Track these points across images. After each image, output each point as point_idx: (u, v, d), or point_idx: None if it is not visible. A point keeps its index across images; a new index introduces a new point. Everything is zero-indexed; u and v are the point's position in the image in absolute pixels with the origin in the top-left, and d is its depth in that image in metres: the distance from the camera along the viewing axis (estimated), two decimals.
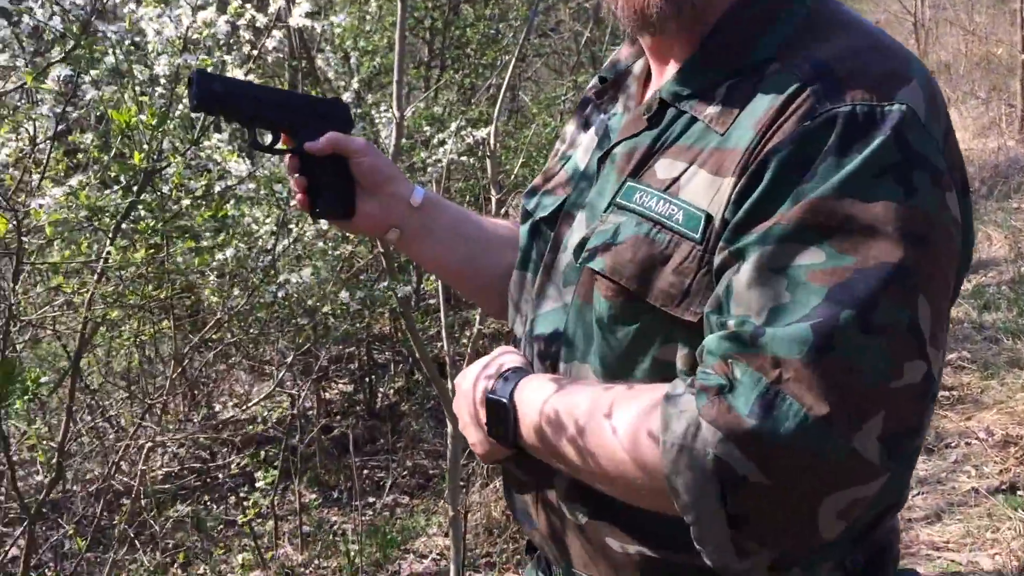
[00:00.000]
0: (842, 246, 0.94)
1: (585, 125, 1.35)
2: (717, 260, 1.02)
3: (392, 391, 5.66)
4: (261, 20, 1.92)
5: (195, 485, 4.63)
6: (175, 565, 3.93)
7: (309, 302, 2.89)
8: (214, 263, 2.16)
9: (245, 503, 4.30)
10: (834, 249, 0.94)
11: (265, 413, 4.93)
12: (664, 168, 1.11)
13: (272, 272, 2.38)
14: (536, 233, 1.31)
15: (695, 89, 1.12)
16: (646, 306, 1.07)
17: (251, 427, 4.92)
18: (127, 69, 1.85)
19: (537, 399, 1.11)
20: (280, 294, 2.41)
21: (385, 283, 3.21)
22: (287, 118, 1.35)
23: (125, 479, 3.92)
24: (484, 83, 4.48)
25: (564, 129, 1.46)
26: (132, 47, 1.91)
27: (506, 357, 1.23)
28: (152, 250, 1.91)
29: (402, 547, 3.93)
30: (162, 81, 2.01)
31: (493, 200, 2.87)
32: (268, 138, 1.36)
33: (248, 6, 1.92)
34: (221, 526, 4.27)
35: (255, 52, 1.97)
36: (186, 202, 1.96)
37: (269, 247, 2.35)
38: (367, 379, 5.51)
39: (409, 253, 1.50)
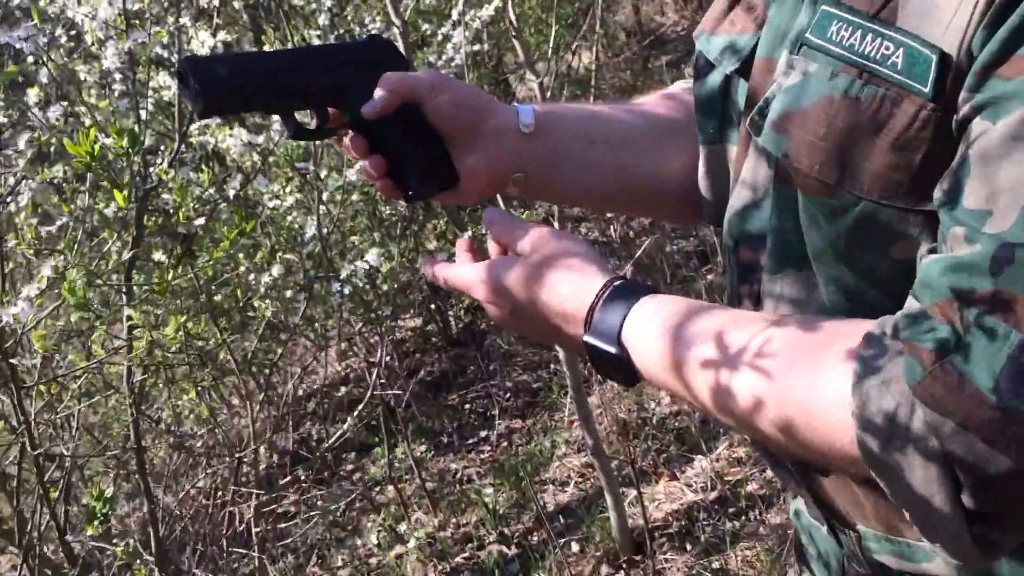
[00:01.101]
0: None
1: None
2: (957, 120, 0.69)
3: (463, 311, 5.32)
4: None
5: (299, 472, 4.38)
6: (310, 564, 3.71)
7: (383, 287, 2.50)
8: (261, 288, 1.78)
9: (357, 476, 4.04)
10: None
11: (343, 372, 4.64)
12: None
13: (327, 262, 1.98)
14: (727, 91, 0.95)
15: None
16: (856, 199, 0.75)
17: (336, 393, 4.64)
18: (65, 76, 1.43)
19: (663, 349, 0.79)
20: (347, 290, 2.01)
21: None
22: (328, 82, 0.96)
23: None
24: None
25: None
26: (61, 46, 1.48)
27: (577, 260, 0.89)
28: (184, 316, 1.52)
29: (535, 478, 3.64)
30: (117, 77, 1.57)
31: (536, 90, 2.41)
32: (312, 120, 0.99)
33: None
34: (343, 509, 4.02)
35: (215, 2, 1.52)
36: (200, 221, 1.56)
37: (308, 235, 1.94)
38: (432, 306, 5.16)
39: (540, 196, 1.17)
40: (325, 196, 2.00)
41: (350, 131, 0.99)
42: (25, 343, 1.54)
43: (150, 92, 2.36)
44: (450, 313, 5.26)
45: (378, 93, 0.96)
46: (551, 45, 2.79)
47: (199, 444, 3.00)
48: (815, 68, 0.77)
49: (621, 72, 6.58)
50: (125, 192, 1.35)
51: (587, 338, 0.84)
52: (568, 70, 5.09)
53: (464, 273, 0.95)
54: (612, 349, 0.82)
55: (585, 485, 3.47)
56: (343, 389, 4.91)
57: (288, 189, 2.42)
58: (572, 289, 0.86)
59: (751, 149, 0.88)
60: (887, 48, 0.72)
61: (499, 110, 1.02)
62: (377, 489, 4.14)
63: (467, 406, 4.48)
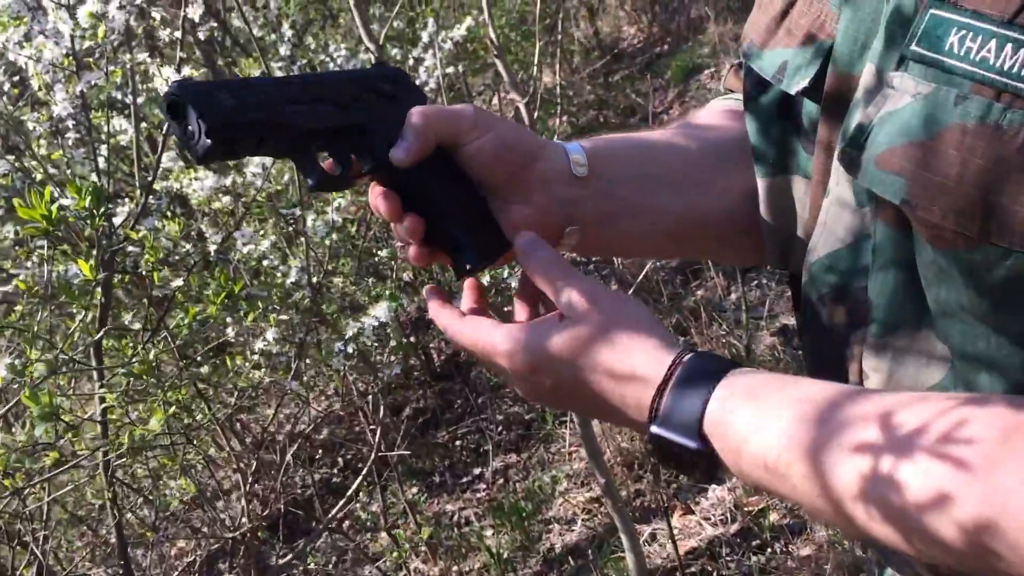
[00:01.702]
0: None
1: None
2: None
3: (443, 342, 5.12)
4: None
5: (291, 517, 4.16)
6: None
7: (391, 343, 2.31)
8: (255, 355, 1.59)
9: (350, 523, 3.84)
10: None
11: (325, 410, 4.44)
12: None
13: (320, 313, 1.79)
14: (788, 116, 0.81)
15: None
16: (1005, 252, 0.60)
17: (317, 436, 4.44)
18: (11, 126, 1.24)
19: (777, 436, 0.63)
20: (351, 348, 1.81)
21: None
22: (348, 120, 0.77)
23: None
24: None
25: None
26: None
27: (638, 328, 0.73)
28: (170, 403, 1.33)
29: (538, 518, 3.46)
30: (70, 124, 1.39)
31: (523, 110, 2.25)
32: (329, 163, 0.80)
33: None
34: (335, 561, 3.81)
35: (178, 35, 1.34)
36: (177, 282, 1.38)
37: (291, 279, 1.75)
38: (411, 338, 4.96)
39: (595, 251, 0.97)
40: (310, 239, 1.82)
41: (376, 183, 0.81)
42: None
43: (104, 136, 2.17)
44: (431, 345, 5.08)
45: (409, 134, 0.79)
46: (535, 63, 2.63)
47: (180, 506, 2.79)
48: (930, 90, 0.61)
49: (584, 88, 6.47)
50: (92, 262, 1.17)
51: (655, 429, 0.68)
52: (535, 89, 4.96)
53: (487, 334, 0.77)
54: (691, 444, 0.66)
55: (593, 522, 3.30)
56: (324, 432, 4.71)
57: (262, 232, 2.23)
58: (633, 366, 0.70)
59: (836, 185, 0.73)
60: None
61: (547, 151, 0.85)
62: (369, 537, 3.94)
63: (458, 442, 4.29)
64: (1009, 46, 0.57)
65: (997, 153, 0.58)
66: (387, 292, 1.92)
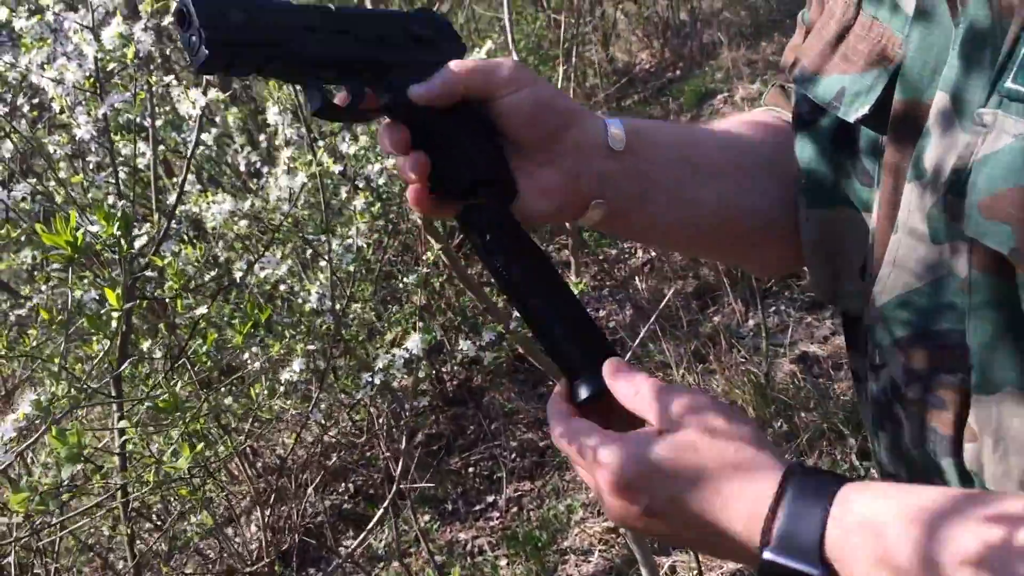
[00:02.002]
0: None
1: None
2: None
3: (456, 365, 5.08)
4: None
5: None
6: None
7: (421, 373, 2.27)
8: (281, 388, 1.56)
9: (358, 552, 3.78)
10: None
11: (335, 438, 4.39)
12: None
13: (343, 342, 1.74)
14: (843, 144, 0.77)
15: None
16: None
17: (327, 459, 4.38)
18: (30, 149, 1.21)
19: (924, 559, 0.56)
20: (379, 380, 1.77)
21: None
22: (368, 54, 0.76)
23: None
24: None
25: None
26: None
27: (743, 443, 0.68)
28: (200, 443, 1.29)
29: (553, 547, 3.40)
30: (92, 147, 1.36)
31: None
32: (342, 95, 0.78)
33: None
34: None
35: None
36: (201, 310, 1.34)
37: (312, 303, 1.71)
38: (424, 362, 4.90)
39: (620, 230, 0.91)
40: (331, 262, 1.78)
41: (387, 118, 0.79)
42: None
43: (125, 159, 2.15)
44: (444, 370, 5.03)
45: (437, 77, 0.76)
46: (556, 86, 2.61)
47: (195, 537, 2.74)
48: None
49: (598, 112, 6.45)
50: (118, 290, 1.13)
51: (769, 555, 0.61)
52: None
53: (592, 442, 0.70)
54: (813, 571, 0.60)
55: (610, 553, 3.24)
56: (334, 457, 4.66)
57: (279, 255, 2.20)
58: (740, 486, 0.64)
59: (907, 216, 0.68)
60: None
61: (585, 119, 0.82)
62: (381, 566, 3.88)
63: (471, 469, 4.23)
64: None
65: None
66: (408, 319, 1.88)
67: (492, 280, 0.80)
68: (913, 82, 0.69)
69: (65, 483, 1.07)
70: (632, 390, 0.71)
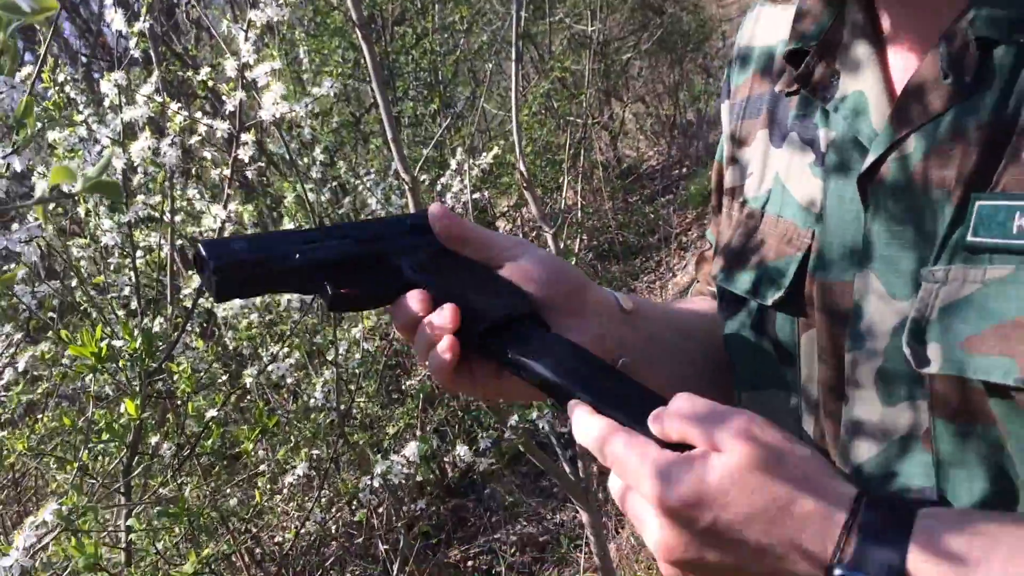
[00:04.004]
0: None
1: (780, 133, 0.84)
2: None
3: (457, 457, 5.09)
4: (221, 128, 1.35)
5: None
6: None
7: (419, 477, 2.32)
8: (284, 489, 1.62)
9: None
10: None
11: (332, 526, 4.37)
12: None
13: (345, 441, 1.80)
14: (764, 326, 0.81)
15: None
16: None
17: (326, 547, 4.36)
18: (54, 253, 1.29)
19: None
20: (377, 483, 1.82)
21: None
22: (368, 250, 0.83)
23: None
24: (459, 99, 3.91)
25: (722, 148, 0.96)
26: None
27: (809, 462, 0.64)
28: (204, 539, 1.35)
29: None
30: (116, 253, 1.44)
31: (550, 241, 2.31)
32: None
33: (199, 114, 1.36)
34: None
35: (226, 173, 1.40)
36: (211, 412, 1.40)
37: (317, 398, 1.78)
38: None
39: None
40: (336, 364, 1.85)
41: (399, 297, 0.81)
42: None
43: (140, 252, 2.23)
44: (446, 459, 5.04)
45: (439, 223, 0.82)
46: (563, 194, 2.71)
47: None
48: (1007, 272, 0.63)
49: (605, 208, 6.59)
50: (137, 401, 1.20)
51: (839, 572, 0.59)
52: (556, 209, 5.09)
53: (642, 452, 0.65)
54: None
55: None
56: (333, 545, 4.65)
57: (285, 351, 2.27)
58: (811, 508, 0.61)
59: (857, 389, 0.72)
60: None
61: (592, 283, 0.86)
62: None
63: (470, 563, 4.22)
64: None
65: None
66: (410, 414, 1.94)
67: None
68: (832, 264, 0.74)
69: None
70: (691, 420, 0.65)
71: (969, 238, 0.65)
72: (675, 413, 0.66)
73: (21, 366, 1.59)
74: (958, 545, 0.59)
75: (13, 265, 1.73)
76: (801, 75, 0.79)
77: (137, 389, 1.17)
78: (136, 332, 1.13)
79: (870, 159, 0.71)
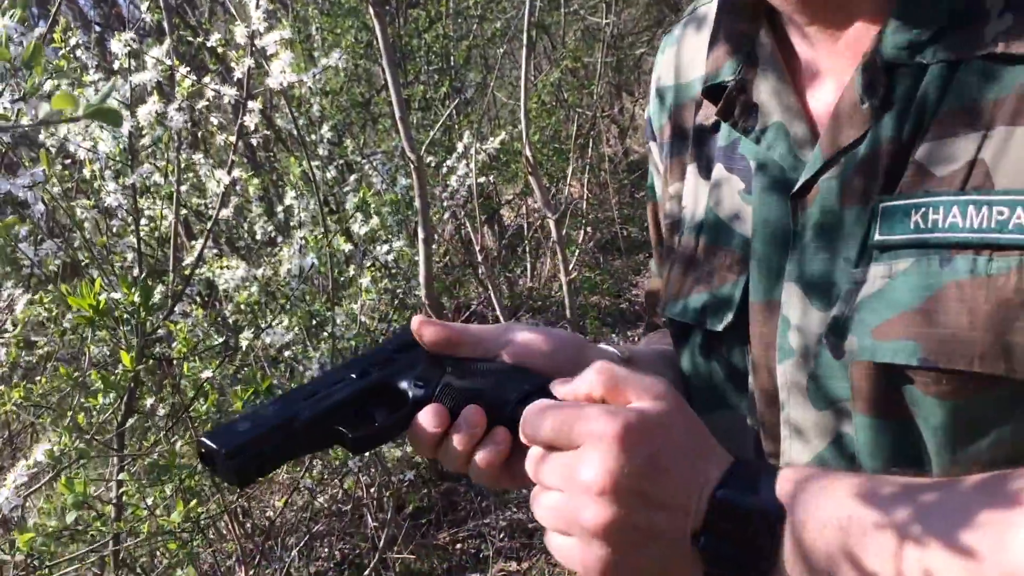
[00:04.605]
0: None
1: (706, 165, 0.90)
2: None
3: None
4: (229, 94, 1.36)
5: None
6: None
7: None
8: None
9: None
10: None
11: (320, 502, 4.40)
12: (939, 158, 0.70)
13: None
14: (713, 351, 0.87)
15: (944, 20, 0.71)
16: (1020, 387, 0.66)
17: (315, 523, 4.39)
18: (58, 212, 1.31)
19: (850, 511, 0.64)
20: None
21: None
22: (367, 385, 0.81)
23: None
24: (469, 85, 3.92)
25: (656, 187, 1.01)
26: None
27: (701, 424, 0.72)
28: (193, 499, 1.37)
29: None
30: (120, 214, 1.46)
31: (552, 227, 2.32)
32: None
33: (206, 79, 1.37)
34: None
35: (232, 139, 1.42)
36: (206, 373, 1.41)
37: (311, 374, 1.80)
38: None
39: None
40: (333, 336, 1.87)
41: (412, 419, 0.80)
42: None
43: (146, 222, 2.24)
44: None
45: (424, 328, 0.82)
46: (568, 181, 2.73)
47: None
48: (909, 264, 0.69)
49: (610, 202, 6.60)
50: (132, 353, 1.22)
51: (721, 493, 0.66)
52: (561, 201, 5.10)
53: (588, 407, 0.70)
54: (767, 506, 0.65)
55: None
56: (322, 522, 4.68)
57: (286, 324, 2.29)
58: (719, 451, 0.69)
59: (805, 394, 0.77)
60: (1000, 213, 0.66)
61: (589, 342, 0.89)
62: None
63: (458, 546, 4.25)
64: (971, 208, 0.66)
65: (998, 297, 0.65)
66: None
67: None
68: (763, 287, 0.79)
69: (69, 527, 1.14)
70: (612, 383, 0.71)
71: (877, 237, 0.71)
72: (590, 378, 0.72)
73: (19, 310, 1.58)
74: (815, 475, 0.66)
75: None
76: (722, 109, 0.84)
77: (134, 343, 1.19)
78: (135, 288, 1.15)
79: (801, 181, 0.76)
